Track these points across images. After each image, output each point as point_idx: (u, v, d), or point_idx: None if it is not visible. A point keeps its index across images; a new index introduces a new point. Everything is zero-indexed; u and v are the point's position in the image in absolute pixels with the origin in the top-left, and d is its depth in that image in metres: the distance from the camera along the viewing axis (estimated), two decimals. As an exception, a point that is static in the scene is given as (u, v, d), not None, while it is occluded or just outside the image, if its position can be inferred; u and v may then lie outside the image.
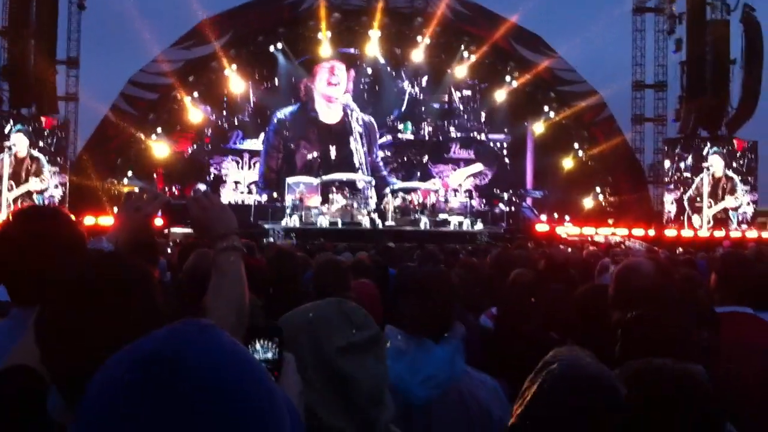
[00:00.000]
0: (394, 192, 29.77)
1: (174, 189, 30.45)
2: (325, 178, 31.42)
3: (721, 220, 30.08)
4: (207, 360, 0.97)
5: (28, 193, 26.61)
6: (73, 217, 2.31)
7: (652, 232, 28.38)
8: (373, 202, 29.58)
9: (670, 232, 28.77)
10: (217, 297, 2.10)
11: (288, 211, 28.11)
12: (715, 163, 30.19)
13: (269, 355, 1.54)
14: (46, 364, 1.55)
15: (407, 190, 30.38)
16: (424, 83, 34.77)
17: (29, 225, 2.16)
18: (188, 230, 19.60)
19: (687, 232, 28.87)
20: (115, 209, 26.64)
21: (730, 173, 30.15)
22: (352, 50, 33.88)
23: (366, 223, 27.04)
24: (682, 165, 30.54)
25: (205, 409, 0.93)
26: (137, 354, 0.98)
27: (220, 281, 2.13)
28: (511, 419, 1.75)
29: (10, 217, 2.20)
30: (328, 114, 33.95)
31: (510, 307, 4.12)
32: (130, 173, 30.81)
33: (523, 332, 3.40)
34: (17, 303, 2.10)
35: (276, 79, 33.80)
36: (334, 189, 29.60)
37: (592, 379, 1.67)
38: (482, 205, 33.04)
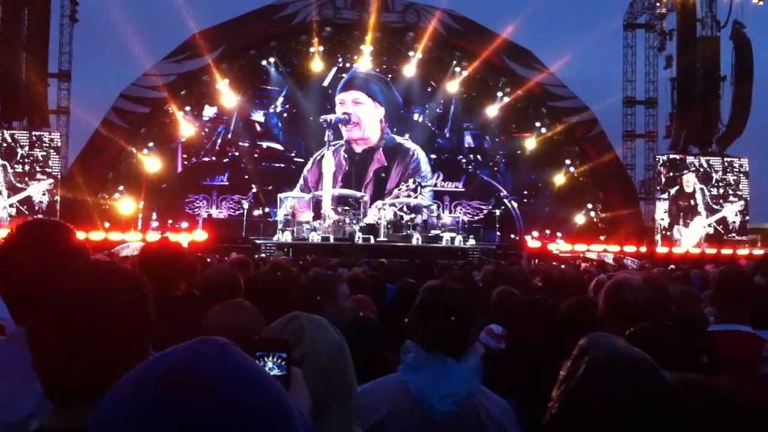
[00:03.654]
0: (385, 207, 29.72)
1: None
2: (317, 193, 31.43)
3: (712, 235, 30.22)
4: (223, 378, 0.97)
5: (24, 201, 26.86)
6: (72, 231, 2.28)
7: (644, 249, 28.43)
8: (369, 217, 29.57)
9: (662, 249, 28.85)
10: None
11: (280, 226, 28.07)
12: (689, 179, 30.37)
13: (277, 371, 1.52)
14: (39, 370, 1.54)
15: (399, 206, 30.34)
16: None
17: (28, 239, 2.13)
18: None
19: (678, 249, 28.96)
20: (106, 224, 26.67)
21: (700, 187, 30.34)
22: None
23: (358, 238, 27.02)
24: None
25: (222, 427, 0.93)
26: (154, 372, 0.98)
27: None
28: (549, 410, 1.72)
29: (12, 231, 2.18)
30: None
31: (520, 325, 4.09)
32: (121, 188, 30.73)
33: (534, 352, 3.37)
34: (18, 321, 2.07)
35: (265, 92, 33.78)
36: (326, 204, 29.59)
37: (636, 360, 1.65)
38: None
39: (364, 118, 33.66)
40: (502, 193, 34.69)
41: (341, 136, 33.52)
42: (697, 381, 1.66)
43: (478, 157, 35.25)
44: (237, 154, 33.68)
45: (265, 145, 34.10)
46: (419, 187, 31.64)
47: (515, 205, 34.64)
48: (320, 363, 2.15)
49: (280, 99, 33.86)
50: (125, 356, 1.43)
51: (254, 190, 32.68)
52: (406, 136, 34.47)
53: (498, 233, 31.45)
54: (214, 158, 33.61)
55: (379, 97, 33.86)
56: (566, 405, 1.66)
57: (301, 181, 33.46)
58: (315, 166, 33.45)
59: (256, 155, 33.93)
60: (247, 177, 33.25)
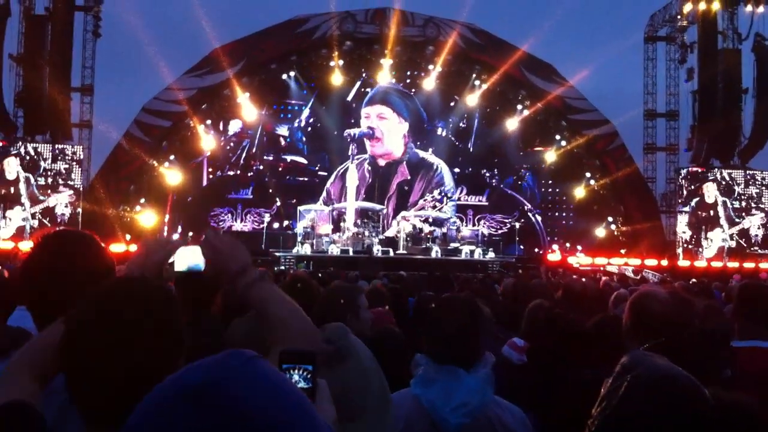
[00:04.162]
0: (409, 218, 29.71)
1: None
2: (336, 206, 31.50)
3: (734, 248, 29.98)
4: (251, 391, 0.97)
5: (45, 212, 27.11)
6: (99, 242, 2.29)
7: (665, 263, 28.23)
8: (390, 230, 29.57)
9: (683, 263, 28.65)
10: (281, 329, 2.07)
11: (299, 239, 28.13)
12: (710, 189, 30.18)
13: (303, 384, 1.52)
14: (72, 388, 1.54)
15: (424, 218, 30.29)
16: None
17: (56, 249, 2.14)
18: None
19: (700, 263, 28.73)
20: (127, 236, 26.83)
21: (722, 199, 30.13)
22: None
23: (377, 251, 27.01)
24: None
25: None
26: (183, 384, 0.98)
27: (273, 313, 2.10)
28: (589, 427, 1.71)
29: (38, 241, 2.18)
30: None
31: (540, 338, 4.08)
32: (143, 200, 30.92)
33: (553, 365, 3.37)
34: (41, 329, 2.08)
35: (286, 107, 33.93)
36: (346, 217, 29.64)
37: (678, 378, 1.65)
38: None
39: (387, 132, 33.60)
40: (526, 207, 34.51)
41: (365, 150, 33.51)
42: (717, 395, 1.65)
43: (502, 171, 35.07)
44: (261, 167, 33.76)
45: (289, 158, 34.10)
46: (445, 198, 31.60)
47: (539, 218, 34.45)
48: (363, 364, 2.17)
49: (305, 113, 33.89)
50: (157, 374, 1.43)
51: (278, 203, 32.73)
52: (430, 150, 34.36)
53: (521, 246, 31.36)
54: (238, 172, 33.70)
55: (404, 112, 33.81)
56: (607, 422, 1.65)
57: (324, 194, 33.43)
58: (338, 180, 33.47)
59: (280, 169, 33.99)
60: (271, 191, 33.35)
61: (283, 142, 34.21)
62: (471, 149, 34.81)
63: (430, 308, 3.01)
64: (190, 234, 30.00)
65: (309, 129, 34.22)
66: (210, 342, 1.64)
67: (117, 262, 2.33)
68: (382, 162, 33.85)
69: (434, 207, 31.65)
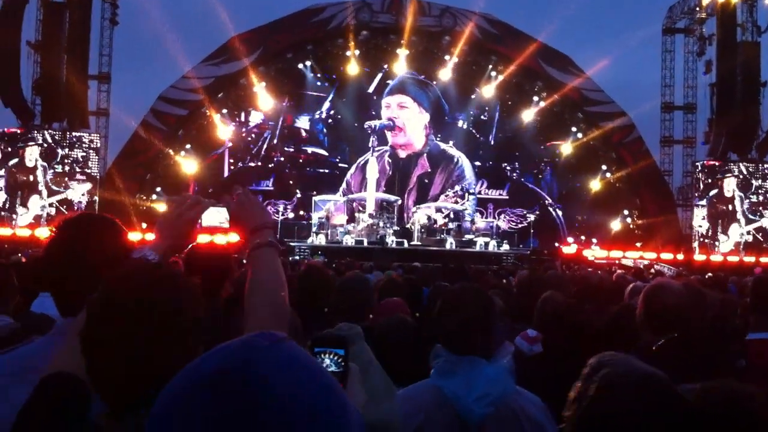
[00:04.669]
0: (420, 211, 29.72)
1: None
2: (351, 197, 31.53)
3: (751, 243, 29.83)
4: (279, 372, 0.97)
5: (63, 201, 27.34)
6: (120, 226, 2.31)
7: (680, 256, 28.11)
8: (406, 222, 29.60)
9: (699, 257, 28.51)
10: (254, 291, 2.11)
11: (314, 229, 28.18)
12: (729, 183, 30.04)
13: (334, 368, 1.53)
14: (92, 374, 1.56)
15: (446, 212, 30.28)
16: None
17: (77, 234, 2.15)
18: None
19: (716, 257, 28.59)
20: (143, 224, 26.95)
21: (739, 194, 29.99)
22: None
23: (391, 242, 27.03)
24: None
25: (277, 421, 0.93)
26: (210, 366, 0.98)
27: (256, 275, 2.14)
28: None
29: (58, 226, 2.20)
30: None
31: (556, 330, 4.08)
32: (158, 189, 31.03)
33: (568, 360, 3.37)
34: (63, 313, 2.10)
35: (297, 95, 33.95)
36: (361, 208, 29.66)
37: (647, 377, 1.64)
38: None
39: (408, 122, 33.55)
40: (546, 201, 34.40)
41: (386, 142, 33.48)
42: (717, 387, 1.65)
43: (523, 164, 34.97)
44: (282, 159, 33.79)
45: (309, 150, 34.15)
46: (467, 194, 31.55)
47: (560, 213, 34.33)
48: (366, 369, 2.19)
49: (326, 105, 33.88)
50: (175, 361, 1.44)
51: (299, 194, 32.73)
52: (451, 143, 34.30)
53: (536, 240, 31.32)
54: (259, 163, 33.76)
55: (425, 102, 33.76)
56: (580, 424, 1.66)
57: (344, 185, 33.48)
58: (358, 171, 33.49)
59: (300, 160, 34.03)
60: (291, 182, 33.39)
61: (303, 134, 34.20)
62: (492, 142, 34.70)
63: (442, 298, 3.01)
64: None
65: (330, 120, 34.21)
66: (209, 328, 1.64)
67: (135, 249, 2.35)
68: (402, 154, 33.79)
69: (456, 203, 31.60)
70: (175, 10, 41.01)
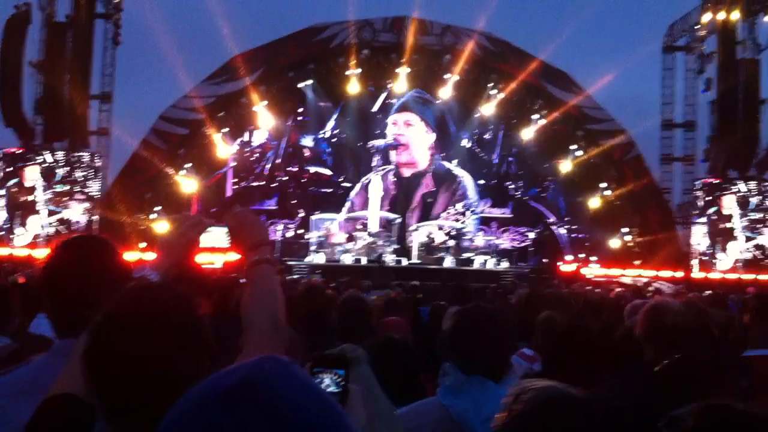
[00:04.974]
0: (420, 229, 29.72)
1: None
2: (350, 215, 31.49)
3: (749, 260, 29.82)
4: (289, 392, 1.00)
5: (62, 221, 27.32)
6: (116, 247, 2.32)
7: (679, 274, 28.07)
8: (406, 240, 29.56)
9: (698, 274, 28.49)
10: (252, 306, 2.13)
11: (313, 247, 28.17)
12: (729, 201, 30.07)
13: (334, 388, 1.53)
14: (96, 394, 1.56)
15: (448, 230, 30.25)
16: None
17: (75, 256, 2.16)
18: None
19: (715, 275, 28.56)
20: (142, 244, 26.95)
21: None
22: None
23: (390, 260, 27.02)
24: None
25: None
26: (219, 388, 1.00)
27: (254, 291, 2.16)
28: None
29: (57, 247, 2.21)
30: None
31: (561, 351, 4.08)
32: (158, 208, 31.01)
33: (571, 376, 3.37)
34: (61, 335, 2.10)
35: (304, 115, 33.92)
36: (360, 226, 29.63)
37: (564, 401, 1.64)
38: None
39: (413, 140, 33.47)
40: (550, 220, 34.36)
41: (389, 162, 33.44)
42: (715, 407, 1.64)
43: (526, 182, 34.90)
44: (286, 179, 33.77)
45: (313, 170, 34.06)
46: (468, 212, 31.47)
47: (563, 232, 34.28)
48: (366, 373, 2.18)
49: (330, 124, 33.87)
50: (183, 377, 1.44)
51: (302, 214, 32.61)
52: (455, 162, 34.24)
53: (537, 258, 31.28)
54: (263, 183, 33.69)
55: (432, 122, 33.75)
56: None
57: (348, 204, 33.34)
58: (362, 191, 33.36)
59: (304, 180, 33.96)
60: (294, 201, 33.32)
61: (307, 153, 34.13)
62: (496, 160, 34.70)
63: (459, 318, 3.00)
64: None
65: (334, 140, 34.15)
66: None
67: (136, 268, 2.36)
68: (407, 173, 33.70)
69: (456, 221, 31.57)
70: (177, 29, 41.08)
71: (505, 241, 32.33)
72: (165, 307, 1.61)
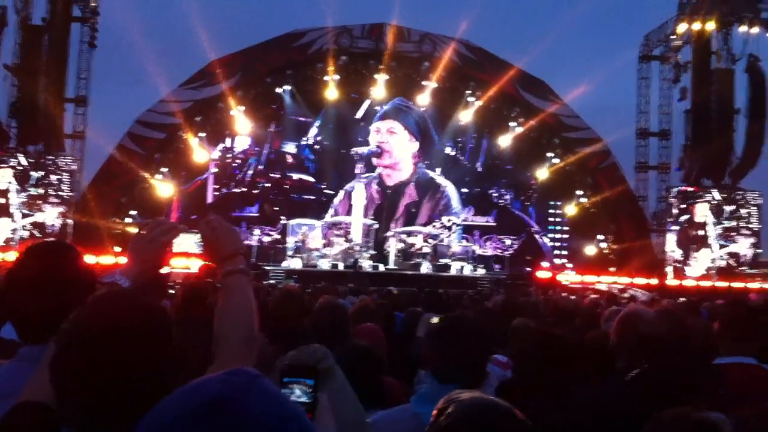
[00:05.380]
0: (396, 235, 29.70)
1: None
2: (327, 220, 31.41)
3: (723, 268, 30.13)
4: (258, 411, 1.00)
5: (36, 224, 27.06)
6: (81, 254, 2.29)
7: (654, 281, 28.27)
8: (388, 246, 29.51)
9: (672, 282, 28.71)
10: (225, 317, 2.11)
11: (290, 253, 28.08)
12: (701, 209, 30.36)
13: (305, 398, 1.53)
14: (61, 404, 1.54)
15: (409, 234, 30.22)
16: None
17: (38, 262, 2.14)
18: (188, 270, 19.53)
19: (689, 282, 28.78)
20: (116, 248, 26.73)
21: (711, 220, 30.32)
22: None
23: (367, 266, 26.98)
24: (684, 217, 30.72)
25: None
26: (200, 397, 1.00)
27: (227, 301, 2.14)
28: None
29: (20, 254, 2.19)
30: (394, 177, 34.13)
31: (535, 358, 4.08)
32: (133, 212, 30.79)
33: (545, 383, 3.36)
34: (26, 341, 2.08)
35: (280, 121, 33.84)
36: (336, 231, 29.54)
37: (490, 408, 1.65)
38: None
39: (396, 148, 33.53)
40: (533, 228, 34.46)
41: (372, 169, 33.39)
42: (683, 415, 1.65)
43: (509, 190, 35.05)
44: (268, 185, 33.64)
45: (295, 176, 33.96)
46: (454, 225, 31.42)
47: (546, 240, 34.41)
48: (342, 386, 2.18)
49: (313, 130, 33.84)
50: (152, 387, 1.42)
51: (284, 221, 32.40)
52: (438, 170, 34.28)
53: (515, 265, 31.34)
54: (244, 189, 33.57)
55: (415, 130, 33.77)
56: None
57: (331, 211, 33.28)
58: (346, 198, 33.26)
59: (286, 186, 33.84)
60: (277, 208, 33.20)
61: (290, 159, 34.04)
62: (479, 169, 34.78)
63: (439, 327, 2.99)
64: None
65: (317, 146, 34.12)
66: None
67: (105, 274, 2.34)
68: (390, 182, 33.71)
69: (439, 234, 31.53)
70: (154, 33, 40.95)
71: (487, 250, 32.40)
72: (134, 315, 1.59)
